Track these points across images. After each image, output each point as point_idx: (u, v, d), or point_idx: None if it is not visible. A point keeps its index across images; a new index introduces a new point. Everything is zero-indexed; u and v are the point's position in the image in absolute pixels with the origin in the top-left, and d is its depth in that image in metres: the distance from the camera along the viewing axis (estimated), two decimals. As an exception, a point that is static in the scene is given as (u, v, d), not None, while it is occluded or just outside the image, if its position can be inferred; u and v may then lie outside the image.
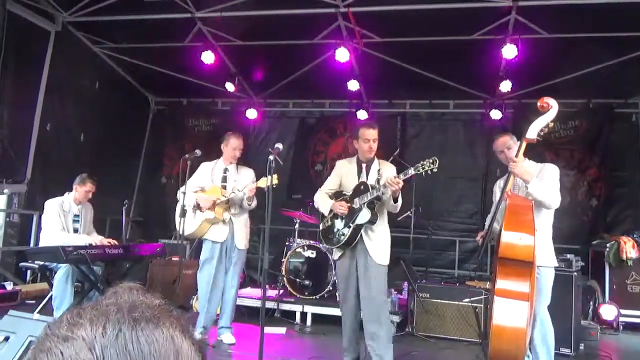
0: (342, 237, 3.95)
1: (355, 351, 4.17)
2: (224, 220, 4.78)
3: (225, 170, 4.90)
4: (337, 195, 4.14)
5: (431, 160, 3.57)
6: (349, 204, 3.98)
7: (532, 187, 3.43)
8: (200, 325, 4.76)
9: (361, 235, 3.93)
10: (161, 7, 6.50)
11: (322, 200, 4.17)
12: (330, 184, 4.25)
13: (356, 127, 4.10)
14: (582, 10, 5.73)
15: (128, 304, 0.64)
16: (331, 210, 4.08)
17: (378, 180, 3.94)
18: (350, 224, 3.92)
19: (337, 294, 5.94)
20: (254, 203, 4.81)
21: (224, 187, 4.80)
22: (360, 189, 3.96)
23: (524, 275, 3.18)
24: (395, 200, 3.86)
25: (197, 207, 4.77)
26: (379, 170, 4.04)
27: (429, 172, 3.59)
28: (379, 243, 3.96)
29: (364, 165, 4.10)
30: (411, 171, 3.64)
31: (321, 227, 4.23)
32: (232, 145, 4.83)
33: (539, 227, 3.31)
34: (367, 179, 4.03)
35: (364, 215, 3.86)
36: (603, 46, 6.34)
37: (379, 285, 3.94)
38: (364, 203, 3.87)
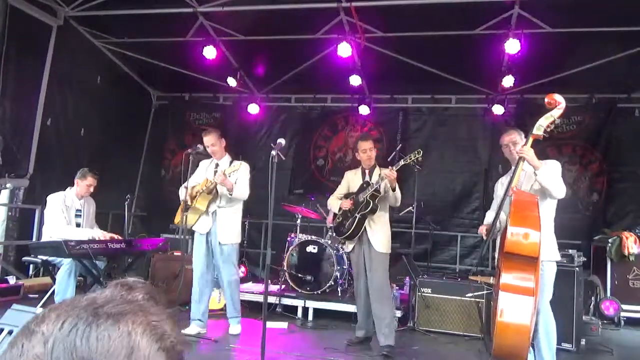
0: (349, 228, 4.61)
1: (366, 327, 4.81)
2: (207, 212, 4.80)
3: (217, 165, 4.95)
4: (347, 196, 4.81)
5: (415, 152, 4.23)
6: (353, 200, 4.65)
7: (541, 174, 3.47)
8: (196, 317, 4.79)
9: (365, 228, 4.56)
10: (163, 2, 6.51)
11: (333, 202, 4.94)
12: (340, 190, 4.96)
13: (354, 140, 4.90)
14: (585, 4, 5.70)
15: (103, 298, 0.63)
16: (340, 208, 4.75)
17: (380, 177, 4.54)
18: (356, 214, 4.57)
19: (338, 289, 6.02)
20: (239, 192, 4.73)
21: None
22: (363, 187, 4.66)
23: (529, 271, 3.19)
24: (394, 189, 4.45)
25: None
26: (379, 174, 4.62)
27: (415, 161, 4.25)
28: (379, 233, 4.59)
29: (367, 172, 4.77)
30: (401, 162, 4.29)
31: (335, 224, 4.99)
32: (204, 142, 4.88)
33: (541, 221, 3.31)
34: (370, 179, 4.69)
35: (366, 205, 4.53)
36: (606, 41, 6.31)
37: (380, 271, 4.55)
38: (367, 195, 4.54)
